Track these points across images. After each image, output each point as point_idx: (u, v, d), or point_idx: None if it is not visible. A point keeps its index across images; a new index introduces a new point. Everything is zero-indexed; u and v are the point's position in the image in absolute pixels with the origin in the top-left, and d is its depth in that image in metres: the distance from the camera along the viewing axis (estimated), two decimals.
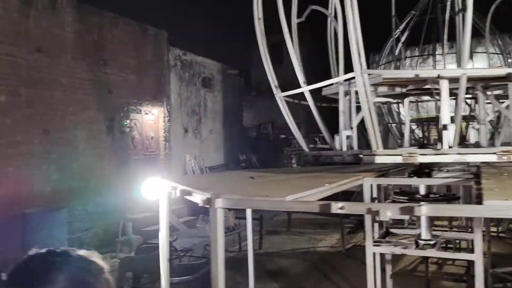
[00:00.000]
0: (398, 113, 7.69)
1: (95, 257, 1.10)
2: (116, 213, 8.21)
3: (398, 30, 8.02)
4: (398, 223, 5.60)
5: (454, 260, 6.17)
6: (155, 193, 3.18)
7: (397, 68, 8.15)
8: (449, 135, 3.45)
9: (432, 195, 3.96)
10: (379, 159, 3.42)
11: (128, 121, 8.81)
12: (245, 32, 12.73)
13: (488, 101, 4.66)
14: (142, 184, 3.20)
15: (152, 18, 9.57)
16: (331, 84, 4.32)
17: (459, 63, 5.60)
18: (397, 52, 8.19)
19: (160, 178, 3.14)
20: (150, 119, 9.64)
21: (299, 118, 13.50)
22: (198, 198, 2.12)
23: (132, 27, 9.18)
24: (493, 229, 7.20)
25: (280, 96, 4.51)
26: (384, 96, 4.87)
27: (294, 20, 4.72)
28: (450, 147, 3.42)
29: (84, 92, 7.99)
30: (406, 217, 4.90)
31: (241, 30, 12.31)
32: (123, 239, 7.70)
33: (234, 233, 7.46)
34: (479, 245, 3.27)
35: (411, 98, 5.21)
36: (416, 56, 10.29)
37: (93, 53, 8.22)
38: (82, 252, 1.09)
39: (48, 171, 7.23)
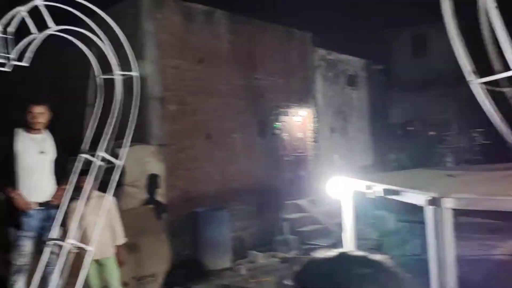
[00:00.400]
0: None
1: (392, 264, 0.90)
2: (272, 213, 8.47)
3: None
4: None
5: None
6: (339, 191, 3.12)
7: None
8: None
9: None
10: None
11: (278, 123, 9.04)
12: (383, 26, 12.26)
13: None
14: (326, 183, 3.17)
15: (296, 21, 9.68)
16: None
17: None
18: None
19: (345, 177, 3.07)
20: (298, 120, 9.76)
21: (447, 113, 12.52)
22: (411, 197, 1.98)
23: (279, 32, 9.41)
24: None
25: (477, 83, 3.97)
26: None
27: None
28: None
29: (238, 97, 8.41)
30: None
31: (378, 24, 11.87)
32: (279, 238, 7.89)
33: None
34: None
35: None
36: None
37: (245, 60, 8.62)
38: (381, 258, 0.90)
39: (212, 174, 7.76)
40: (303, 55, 9.91)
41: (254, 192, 8.41)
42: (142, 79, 6.81)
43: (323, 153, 10.13)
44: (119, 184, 6.37)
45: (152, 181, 6.82)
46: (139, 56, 6.98)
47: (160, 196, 6.91)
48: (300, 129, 9.80)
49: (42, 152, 3.72)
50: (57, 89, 8.61)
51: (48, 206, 3.75)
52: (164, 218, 6.92)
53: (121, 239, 4.49)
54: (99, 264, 4.36)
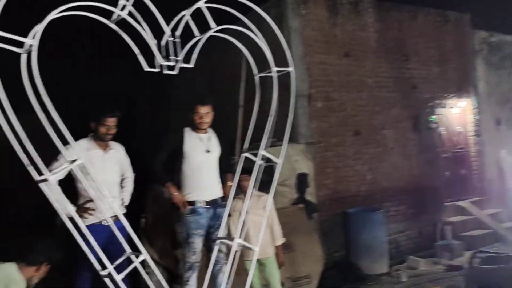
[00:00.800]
0: None
1: None
2: (430, 215, 7.74)
3: None
4: None
5: None
6: None
7: None
8: None
9: None
10: None
11: (434, 116, 8.23)
12: None
13: None
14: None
15: (450, 2, 8.72)
16: None
17: None
18: None
19: None
20: (456, 112, 8.78)
21: None
22: None
23: (431, 16, 8.57)
24: None
25: None
26: None
27: None
28: None
29: (388, 90, 7.86)
30: None
31: None
32: (442, 243, 7.14)
33: None
34: None
35: None
36: None
37: (394, 50, 8.03)
38: None
39: (362, 172, 7.36)
40: (460, 40, 8.89)
41: (408, 192, 7.78)
42: (289, 77, 6.79)
43: (487, 148, 8.97)
44: (269, 183, 6.41)
45: (302, 180, 6.71)
46: (284, 54, 6.95)
47: (310, 195, 6.76)
48: (459, 122, 8.80)
49: (208, 151, 3.79)
50: (209, 90, 9.08)
51: (216, 205, 3.81)
52: (315, 218, 6.76)
53: (280, 239, 4.42)
54: (259, 263, 4.34)
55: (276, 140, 4.56)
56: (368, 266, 6.51)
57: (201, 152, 3.81)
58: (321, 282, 6.15)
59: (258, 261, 4.25)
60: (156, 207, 5.59)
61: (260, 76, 3.80)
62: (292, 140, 6.81)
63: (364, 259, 6.53)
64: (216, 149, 3.82)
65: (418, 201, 7.85)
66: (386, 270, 6.52)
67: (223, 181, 3.93)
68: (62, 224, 6.84)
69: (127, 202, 3.73)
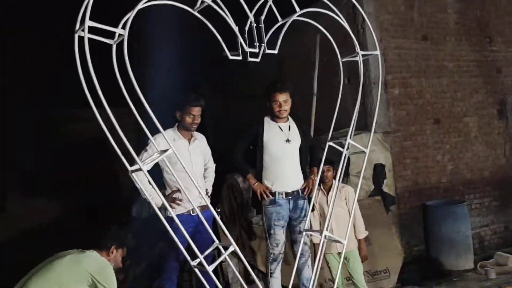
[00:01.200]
0: None
1: None
2: None
3: None
4: None
5: None
6: None
7: None
8: None
9: None
10: None
11: None
12: None
13: None
14: None
15: None
16: None
17: None
18: None
19: None
20: None
21: None
22: None
23: None
24: None
25: None
26: None
27: None
28: None
29: (470, 75, 7.34)
30: None
31: None
32: None
33: None
34: None
35: None
36: None
37: (476, 31, 7.47)
38: None
39: (443, 162, 6.94)
40: None
41: (493, 183, 7.25)
42: (364, 63, 6.51)
43: None
44: (345, 174, 6.20)
45: (378, 171, 6.44)
46: (359, 40, 6.68)
47: (387, 187, 6.48)
48: None
49: (288, 141, 3.68)
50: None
51: (296, 196, 3.70)
52: (393, 211, 6.47)
53: (363, 233, 4.24)
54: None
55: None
56: (451, 262, 6.14)
57: (281, 141, 3.71)
58: (400, 277, 5.89)
59: (340, 254, 4.11)
60: (231, 198, 5.61)
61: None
62: (368, 129, 6.55)
63: (447, 254, 6.16)
64: (296, 139, 3.69)
65: (504, 193, 7.30)
66: (471, 266, 6.12)
67: (306, 173, 3.78)
68: (138, 213, 7.04)
69: (210, 191, 3.72)
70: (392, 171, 6.51)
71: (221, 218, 5.39)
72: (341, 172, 3.49)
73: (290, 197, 3.71)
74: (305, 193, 3.60)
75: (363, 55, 3.48)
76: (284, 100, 3.72)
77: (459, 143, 7.12)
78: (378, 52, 3.50)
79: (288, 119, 3.85)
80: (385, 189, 6.44)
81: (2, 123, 7.86)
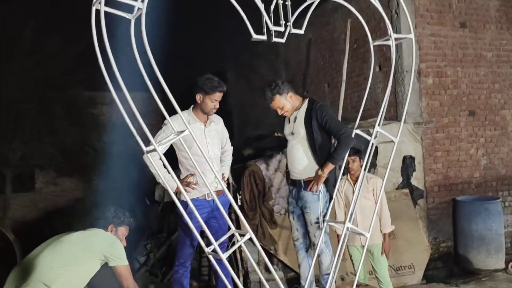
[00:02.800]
0: None
1: None
2: None
3: None
4: None
5: None
6: None
7: None
8: None
9: None
10: None
11: None
12: None
13: None
14: None
15: None
16: None
17: None
18: None
19: None
20: None
21: None
22: None
23: None
24: None
25: None
26: None
27: None
28: None
29: (510, 65, 6.94)
30: None
31: None
32: None
33: None
34: None
35: None
36: None
37: None
38: None
39: (476, 157, 6.62)
40: None
41: None
42: (397, 50, 6.23)
43: None
44: (372, 165, 5.99)
45: (407, 164, 6.19)
46: (393, 26, 6.39)
47: (416, 180, 6.23)
48: None
49: (292, 134, 3.52)
50: (304, 66, 8.79)
51: (298, 186, 3.50)
52: (421, 205, 6.23)
53: (389, 227, 4.05)
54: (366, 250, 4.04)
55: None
56: (480, 260, 5.87)
57: (288, 134, 3.57)
58: (425, 273, 5.68)
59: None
60: (253, 185, 5.49)
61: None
62: (398, 119, 6.30)
63: (476, 252, 5.89)
64: (300, 131, 3.46)
65: None
66: (502, 266, 5.84)
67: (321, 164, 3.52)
68: (160, 197, 7.00)
69: (227, 176, 3.60)
70: (422, 164, 6.26)
71: (241, 206, 5.29)
72: (367, 162, 3.30)
73: (293, 187, 3.56)
74: (308, 188, 3.38)
75: (396, 39, 3.24)
76: (277, 107, 3.53)
77: (495, 137, 6.77)
78: (412, 35, 3.26)
79: (295, 113, 3.59)
80: (413, 182, 6.19)
81: (31, 104, 7.97)
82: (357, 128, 3.44)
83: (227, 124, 3.79)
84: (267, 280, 2.75)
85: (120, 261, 2.76)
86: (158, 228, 7.18)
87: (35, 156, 9.14)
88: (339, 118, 6.20)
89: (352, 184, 3.98)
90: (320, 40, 8.33)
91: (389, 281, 4.16)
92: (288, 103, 3.53)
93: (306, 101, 3.60)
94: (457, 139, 6.51)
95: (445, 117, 6.46)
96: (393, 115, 6.47)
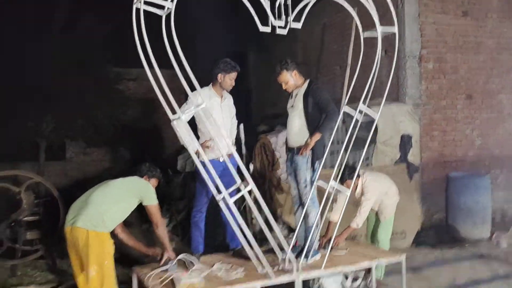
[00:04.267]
0: None
1: None
2: None
3: None
4: None
5: None
6: None
7: None
8: None
9: None
10: None
11: None
12: None
13: None
14: None
15: None
16: None
17: None
18: None
19: None
20: None
21: None
22: None
23: None
24: None
25: None
26: None
27: None
28: None
29: (510, 53, 7.41)
30: None
31: None
32: None
33: None
34: None
35: None
36: None
37: None
38: None
39: (471, 137, 7.18)
40: None
41: None
42: (400, 37, 6.77)
43: None
44: (372, 141, 6.62)
45: (405, 141, 6.79)
46: (398, 14, 6.91)
47: (413, 157, 6.83)
48: None
49: (292, 107, 4.17)
50: (319, 51, 9.35)
51: (292, 152, 4.15)
52: (416, 179, 6.84)
53: (355, 224, 4.43)
54: (376, 217, 4.71)
55: None
56: (467, 230, 6.48)
57: (289, 108, 4.23)
58: (417, 240, 6.33)
59: (375, 212, 4.67)
60: (263, 156, 6.20)
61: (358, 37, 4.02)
62: (399, 100, 6.88)
63: (463, 223, 6.50)
64: (298, 105, 4.10)
65: None
66: (487, 236, 6.45)
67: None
68: (182, 167, 7.81)
69: (233, 143, 4.32)
70: (418, 142, 6.84)
71: (252, 174, 6.02)
72: (350, 138, 3.91)
73: (289, 152, 4.22)
74: (299, 152, 4.01)
75: (382, 32, 3.86)
76: (282, 82, 4.16)
77: (491, 119, 7.30)
78: (395, 29, 3.86)
79: (296, 90, 4.22)
80: (410, 158, 6.79)
81: (64, 80, 8.57)
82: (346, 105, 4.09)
83: (247, 103, 4.51)
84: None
85: (152, 200, 3.55)
86: (180, 195, 7.97)
87: (67, 128, 9.73)
88: (346, 98, 6.82)
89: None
90: (333, 26, 8.86)
91: (387, 245, 4.72)
92: (292, 79, 4.19)
93: (307, 81, 4.25)
94: (453, 120, 7.07)
95: (443, 100, 7.01)
96: (395, 97, 7.04)
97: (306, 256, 3.84)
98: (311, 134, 3.99)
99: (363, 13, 7.21)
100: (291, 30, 3.56)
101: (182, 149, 8.82)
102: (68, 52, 8.85)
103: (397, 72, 6.95)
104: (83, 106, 9.28)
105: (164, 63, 3.21)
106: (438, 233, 6.79)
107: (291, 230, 6.00)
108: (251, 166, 6.18)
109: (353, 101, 4.19)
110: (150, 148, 11.59)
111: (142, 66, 3.10)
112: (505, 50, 7.36)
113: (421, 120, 6.88)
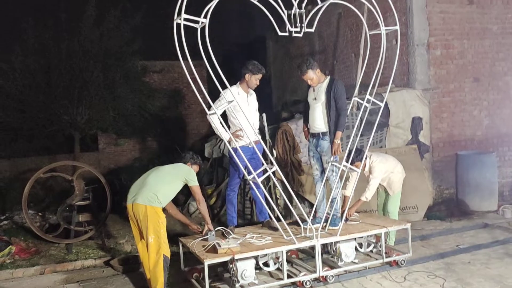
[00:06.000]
0: None
1: None
2: None
3: None
4: None
5: None
6: None
7: None
8: None
9: None
10: None
11: None
12: None
13: None
14: None
15: None
16: None
17: None
18: None
19: None
20: None
21: None
22: None
23: None
24: None
25: None
26: None
27: None
28: None
29: None
30: None
31: None
32: None
33: None
34: None
35: None
36: None
37: None
38: None
39: (479, 117, 7.66)
40: None
41: None
42: (409, 26, 7.26)
43: None
44: (385, 124, 7.20)
45: (416, 123, 7.34)
46: (406, 5, 7.40)
47: (424, 137, 7.38)
48: None
49: (314, 99, 4.80)
50: (333, 45, 9.86)
51: (317, 137, 4.80)
52: (427, 158, 7.40)
53: (364, 197, 5.07)
54: (385, 192, 5.35)
55: None
56: (475, 204, 7.03)
57: (312, 99, 4.85)
58: (429, 214, 6.91)
59: (385, 189, 5.31)
60: (284, 141, 6.85)
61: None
62: (409, 86, 7.41)
63: (472, 197, 7.05)
64: (322, 97, 4.73)
65: None
66: (494, 208, 6.98)
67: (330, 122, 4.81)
68: (210, 154, 8.54)
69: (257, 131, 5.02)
70: (428, 124, 7.38)
71: (276, 158, 6.70)
72: (360, 124, 4.55)
73: (314, 137, 4.87)
74: (333, 152, 4.64)
75: (386, 29, 4.44)
76: (307, 79, 4.77)
77: (498, 100, 7.76)
78: (397, 27, 4.44)
79: (319, 85, 4.84)
80: (421, 139, 7.35)
81: (95, 73, 9.16)
82: (356, 96, 4.71)
83: (269, 90, 5.16)
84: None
85: (194, 182, 4.28)
86: (208, 180, 8.66)
87: (99, 120, 10.29)
88: (357, 86, 7.39)
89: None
90: (348, 15, 9.34)
91: (396, 216, 5.34)
92: (316, 77, 4.84)
93: (328, 77, 4.91)
94: (461, 103, 7.56)
95: (451, 84, 7.50)
96: (406, 82, 7.57)
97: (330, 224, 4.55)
98: (330, 121, 4.64)
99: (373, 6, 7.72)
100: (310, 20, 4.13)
101: (208, 137, 9.44)
102: (98, 45, 9.36)
103: (407, 59, 7.46)
104: (114, 98, 9.81)
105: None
106: (449, 207, 7.36)
107: (311, 206, 6.67)
108: (274, 151, 6.84)
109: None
110: (176, 136, 12.26)
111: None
112: (510, 35, 7.76)
113: (431, 103, 7.39)
